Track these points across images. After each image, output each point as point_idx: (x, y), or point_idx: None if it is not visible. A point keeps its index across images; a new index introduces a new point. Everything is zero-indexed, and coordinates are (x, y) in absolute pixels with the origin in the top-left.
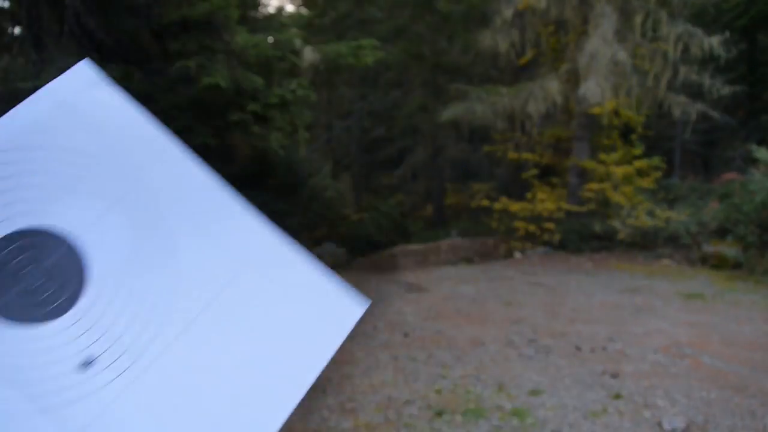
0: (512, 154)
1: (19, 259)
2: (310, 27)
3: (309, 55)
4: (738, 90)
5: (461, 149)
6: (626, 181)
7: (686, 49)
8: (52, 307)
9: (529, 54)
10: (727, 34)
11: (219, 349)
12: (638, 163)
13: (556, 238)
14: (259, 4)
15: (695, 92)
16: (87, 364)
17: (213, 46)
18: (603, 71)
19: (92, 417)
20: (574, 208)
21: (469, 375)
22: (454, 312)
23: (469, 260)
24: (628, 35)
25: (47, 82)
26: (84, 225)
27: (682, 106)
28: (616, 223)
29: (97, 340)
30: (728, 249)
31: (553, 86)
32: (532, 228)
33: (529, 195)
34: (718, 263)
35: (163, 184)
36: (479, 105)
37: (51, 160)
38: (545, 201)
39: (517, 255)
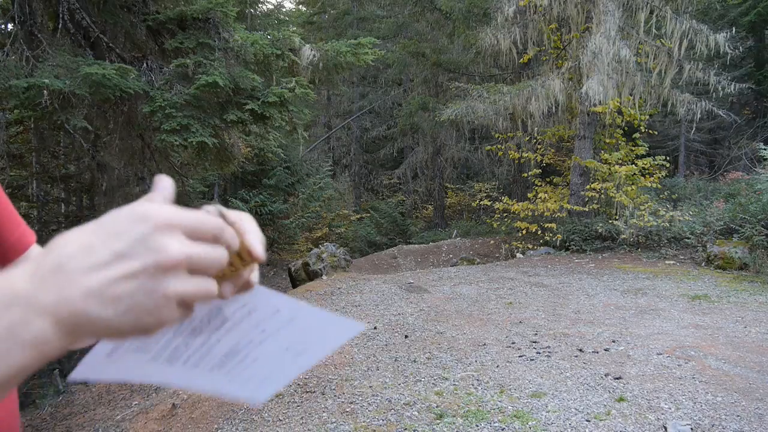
0: (514, 154)
1: None
2: (310, 24)
3: (308, 53)
4: (744, 88)
5: (462, 148)
6: (629, 180)
7: (691, 46)
8: None
9: (530, 52)
10: (734, 30)
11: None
12: (642, 163)
13: (558, 238)
14: (258, 1)
15: (700, 90)
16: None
17: (211, 43)
18: (606, 69)
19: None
20: (577, 208)
21: (470, 377)
22: (454, 313)
23: (470, 260)
24: (631, 32)
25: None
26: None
27: (686, 104)
28: (619, 223)
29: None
30: (734, 249)
31: (555, 84)
32: (533, 228)
33: (530, 195)
34: (724, 264)
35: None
36: (480, 104)
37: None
38: (547, 201)
39: (519, 255)
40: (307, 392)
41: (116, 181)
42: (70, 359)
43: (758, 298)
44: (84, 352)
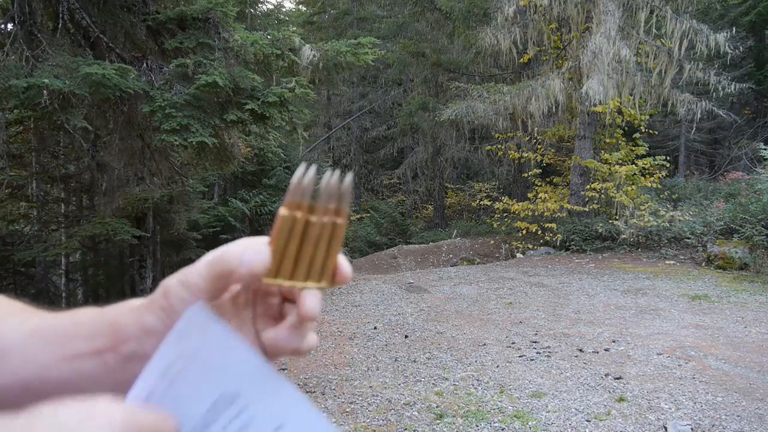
0: (514, 154)
1: None
2: (310, 24)
3: (308, 53)
4: (744, 87)
5: (462, 148)
6: (629, 180)
7: (691, 46)
8: None
9: (530, 52)
10: (734, 30)
11: None
12: (642, 163)
13: (558, 238)
14: (258, 1)
15: (700, 90)
16: None
17: (211, 43)
18: (606, 69)
19: None
20: (577, 208)
21: (470, 377)
22: (454, 313)
23: (470, 260)
24: (631, 32)
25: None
26: None
27: (686, 104)
28: (619, 223)
29: None
30: (734, 249)
31: (555, 84)
32: (533, 228)
33: (530, 195)
34: (724, 264)
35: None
36: (480, 103)
37: None
38: (547, 201)
39: (519, 255)
40: (307, 392)
41: (116, 181)
42: None
43: (758, 298)
44: None
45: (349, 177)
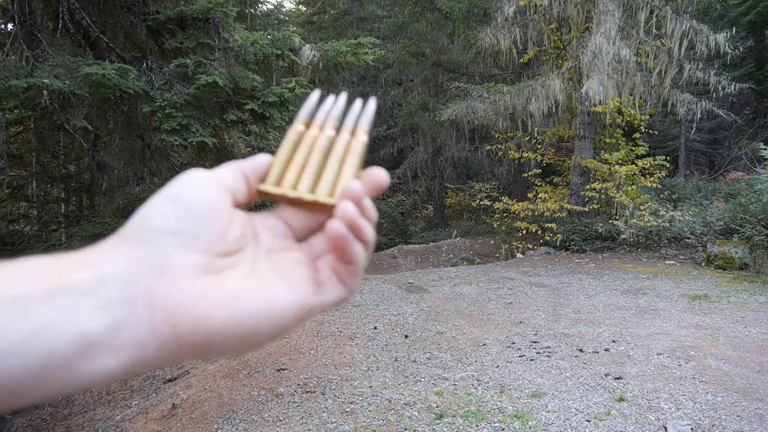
0: (514, 154)
1: None
2: (310, 24)
3: (308, 53)
4: (744, 87)
5: (462, 148)
6: (629, 180)
7: (691, 46)
8: None
9: (530, 52)
10: (734, 30)
11: None
12: (642, 163)
13: (558, 238)
14: (258, 1)
15: (700, 90)
16: None
17: (211, 43)
18: (606, 69)
19: None
20: (577, 208)
21: (470, 377)
22: (454, 313)
23: (470, 260)
24: (631, 32)
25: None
26: None
27: (686, 104)
28: (619, 223)
29: None
30: (734, 249)
31: (555, 84)
32: (533, 228)
33: (530, 195)
34: (724, 264)
35: None
36: (480, 104)
37: None
38: (547, 201)
39: (519, 255)
40: (307, 392)
41: (116, 181)
42: None
43: (758, 298)
44: None
45: (372, 100)
